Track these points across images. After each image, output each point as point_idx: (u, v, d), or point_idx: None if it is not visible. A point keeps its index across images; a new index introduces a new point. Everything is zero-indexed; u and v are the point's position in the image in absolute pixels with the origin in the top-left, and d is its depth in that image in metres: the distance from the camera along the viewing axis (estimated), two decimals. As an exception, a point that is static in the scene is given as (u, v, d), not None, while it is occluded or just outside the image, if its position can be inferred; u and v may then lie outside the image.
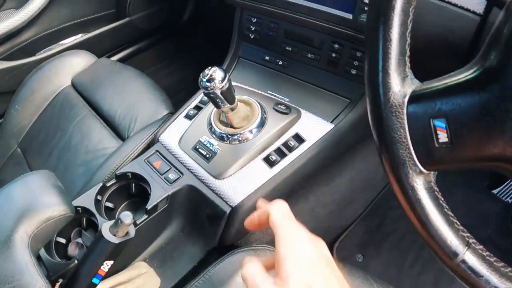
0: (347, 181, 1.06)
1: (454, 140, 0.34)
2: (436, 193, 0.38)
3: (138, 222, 0.68)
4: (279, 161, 0.71)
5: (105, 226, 0.50)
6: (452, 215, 0.38)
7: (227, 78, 0.65)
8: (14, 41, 1.29)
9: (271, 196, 0.71)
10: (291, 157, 0.72)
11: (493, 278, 0.37)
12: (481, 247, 0.38)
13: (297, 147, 0.73)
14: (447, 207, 0.38)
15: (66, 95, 1.15)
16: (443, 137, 0.34)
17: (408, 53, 0.36)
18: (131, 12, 1.44)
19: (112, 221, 0.51)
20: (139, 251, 0.73)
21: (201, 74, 0.65)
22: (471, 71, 0.34)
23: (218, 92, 0.65)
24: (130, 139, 0.90)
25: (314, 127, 0.76)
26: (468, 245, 0.37)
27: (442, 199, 0.38)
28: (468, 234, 0.38)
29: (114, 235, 0.50)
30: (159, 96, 1.05)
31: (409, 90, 0.36)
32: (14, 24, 1.23)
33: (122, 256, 0.69)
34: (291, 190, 0.75)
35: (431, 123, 0.35)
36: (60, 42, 1.38)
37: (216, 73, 0.64)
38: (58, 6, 1.32)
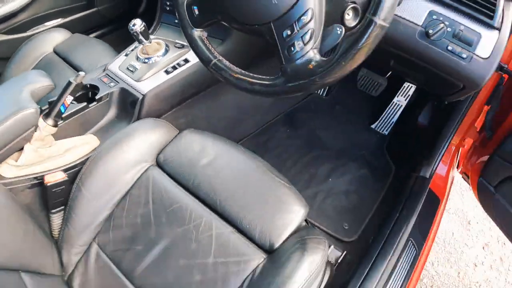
0: (234, 100, 1.55)
1: (200, 12, 0.82)
2: (204, 39, 0.85)
3: (90, 105, 1.17)
4: (172, 71, 1.23)
5: (71, 78, 1.00)
6: (214, 50, 0.85)
7: (143, 24, 1.16)
8: (11, 21, 1.74)
9: (168, 91, 1.22)
10: (179, 70, 1.24)
11: (232, 72, 0.80)
12: (231, 65, 0.81)
13: (183, 65, 1.25)
14: (210, 48, 0.84)
15: (50, 58, 1.60)
16: (196, 12, 0.83)
17: None
18: (98, 3, 1.94)
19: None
20: (89, 128, 1.21)
21: (129, 23, 1.17)
22: None
23: (139, 31, 1.16)
24: (91, 72, 1.39)
25: (197, 55, 1.28)
26: (217, 58, 0.82)
27: (218, 56, 0.86)
28: (221, 58, 0.82)
29: (75, 80, 1.00)
30: (114, 54, 1.55)
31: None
32: (11, 9, 1.69)
33: (78, 130, 1.18)
34: (182, 92, 1.27)
35: (192, 8, 0.83)
36: (45, 24, 1.85)
37: (137, 21, 1.16)
38: (44, -2, 1.81)
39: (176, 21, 1.40)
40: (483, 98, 1.26)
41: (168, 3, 1.41)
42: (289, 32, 0.70)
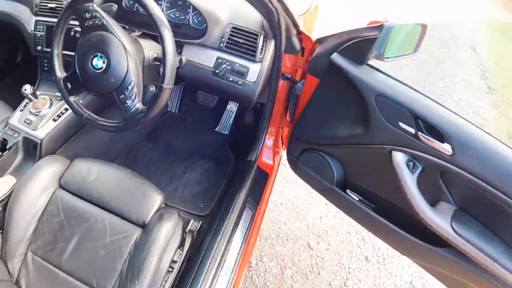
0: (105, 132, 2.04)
1: (71, 85, 1.34)
2: (77, 101, 1.37)
3: (3, 154, 1.61)
4: (58, 119, 1.71)
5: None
6: (83, 108, 1.37)
7: (32, 87, 1.63)
8: None
9: (58, 133, 1.70)
10: (63, 117, 1.72)
11: (96, 120, 1.34)
12: (95, 116, 1.36)
13: (65, 113, 1.73)
14: (81, 107, 1.37)
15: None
16: (69, 86, 1.35)
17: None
18: (-19, 60, 2.29)
19: None
20: (6, 170, 1.63)
21: (22, 88, 1.61)
22: None
23: (29, 93, 1.62)
24: (-6, 127, 1.80)
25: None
26: (86, 113, 1.35)
27: (87, 112, 1.37)
28: (89, 113, 1.35)
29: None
30: (7, 107, 1.95)
31: (63, 76, 1.36)
32: None
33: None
34: (67, 132, 1.75)
35: (66, 83, 1.35)
36: None
37: (27, 86, 1.62)
38: None
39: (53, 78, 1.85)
40: (283, 99, 1.76)
41: (46, 65, 1.86)
42: (123, 96, 1.24)
